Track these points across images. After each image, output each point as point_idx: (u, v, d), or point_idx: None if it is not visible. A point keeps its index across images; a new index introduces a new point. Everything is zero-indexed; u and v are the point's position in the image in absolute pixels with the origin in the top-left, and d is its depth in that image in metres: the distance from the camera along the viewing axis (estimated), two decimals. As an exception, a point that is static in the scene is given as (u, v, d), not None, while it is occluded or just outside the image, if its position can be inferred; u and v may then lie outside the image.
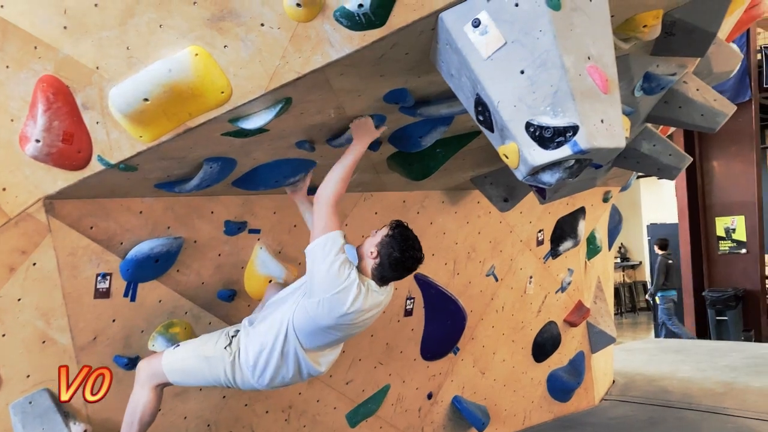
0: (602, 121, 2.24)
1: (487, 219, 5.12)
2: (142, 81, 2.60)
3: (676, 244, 12.25)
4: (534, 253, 5.62)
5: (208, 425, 3.97)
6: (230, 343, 3.19)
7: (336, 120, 3.09)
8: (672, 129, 6.22)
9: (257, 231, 3.87)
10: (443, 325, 5.02)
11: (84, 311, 3.36)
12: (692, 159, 11.85)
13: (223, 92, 2.60)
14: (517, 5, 2.27)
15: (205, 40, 2.55)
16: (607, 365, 7.16)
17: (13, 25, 2.63)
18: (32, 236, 3.11)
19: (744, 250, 11.66)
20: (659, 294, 11.47)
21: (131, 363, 3.49)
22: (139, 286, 3.51)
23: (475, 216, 5.05)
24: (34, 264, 3.16)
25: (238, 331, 3.26)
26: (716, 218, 11.92)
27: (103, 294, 3.41)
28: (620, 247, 17.25)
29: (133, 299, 3.51)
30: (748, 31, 10.89)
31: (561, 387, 6.14)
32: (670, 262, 11.61)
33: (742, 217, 11.65)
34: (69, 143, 2.83)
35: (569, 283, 6.03)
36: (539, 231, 5.59)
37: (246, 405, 4.10)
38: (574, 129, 2.17)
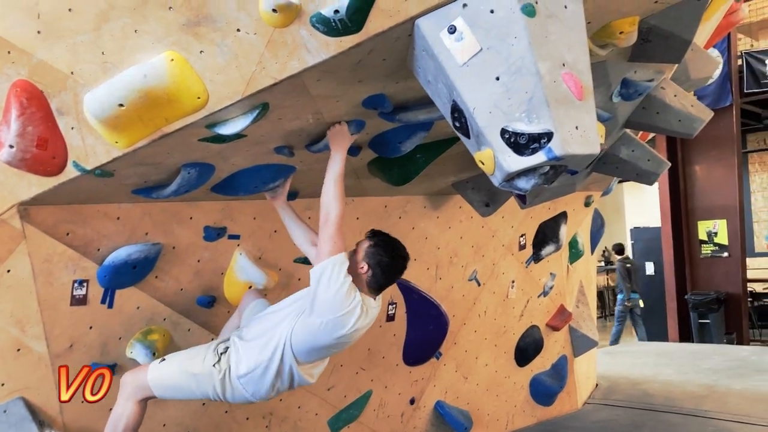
0: (577, 127, 2.25)
1: (469, 224, 5.12)
2: (117, 86, 2.57)
3: (659, 247, 12.34)
4: (516, 257, 5.64)
5: (188, 432, 3.94)
6: (219, 360, 3.14)
7: (315, 125, 3.08)
8: (652, 134, 6.28)
9: (237, 237, 3.85)
10: (425, 330, 5.02)
11: (60, 318, 3.32)
12: (671, 164, 11.97)
13: (199, 98, 2.59)
14: (492, 12, 2.28)
15: (181, 45, 2.53)
16: (590, 369, 7.20)
17: (-14, 30, 2.60)
18: (6, 243, 3.07)
19: (726, 254, 11.75)
20: (620, 296, 11.71)
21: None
22: (116, 292, 3.48)
23: (457, 221, 5.05)
24: (9, 271, 3.12)
25: (227, 348, 3.19)
26: (698, 222, 12.01)
27: (80, 301, 3.37)
28: (604, 251, 17.35)
29: (110, 306, 3.47)
30: (729, 36, 11.01)
31: (544, 391, 6.16)
32: (629, 266, 11.87)
33: (724, 221, 11.75)
34: (43, 149, 2.80)
35: (551, 288, 6.05)
36: (521, 235, 5.61)
37: (226, 412, 4.07)
38: (549, 135, 2.18)
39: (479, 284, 5.37)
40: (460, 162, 4.13)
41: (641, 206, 16.46)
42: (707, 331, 11.41)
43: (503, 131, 2.24)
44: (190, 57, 2.54)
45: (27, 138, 2.75)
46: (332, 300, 2.92)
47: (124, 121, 2.65)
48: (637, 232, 13.85)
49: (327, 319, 2.94)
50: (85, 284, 3.36)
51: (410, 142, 3.44)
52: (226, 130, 2.75)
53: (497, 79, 2.25)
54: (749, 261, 12.86)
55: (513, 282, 5.67)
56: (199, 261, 3.74)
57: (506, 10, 2.26)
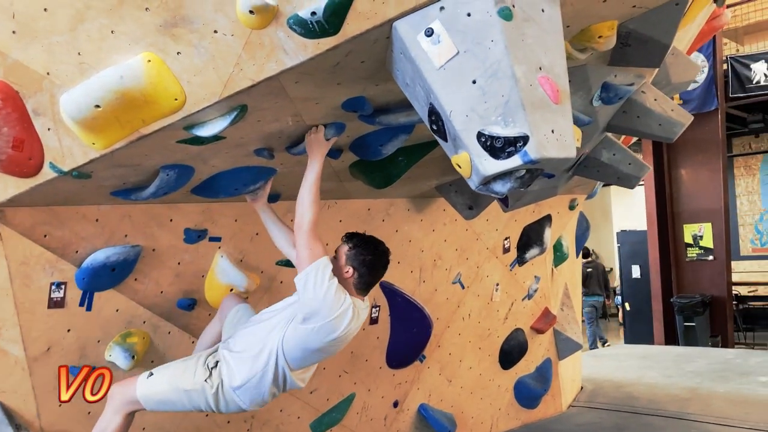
0: (553, 131, 2.25)
1: (453, 227, 5.13)
2: (93, 87, 2.55)
3: (646, 250, 12.40)
4: (500, 260, 5.65)
5: (168, 436, 3.91)
6: (210, 375, 3.11)
7: (294, 128, 3.07)
8: (635, 138, 6.31)
9: (218, 239, 3.83)
10: (409, 333, 5.01)
11: (37, 321, 3.29)
12: (657, 168, 11.86)
13: (176, 99, 2.57)
14: (469, 15, 2.27)
15: (157, 46, 2.52)
16: (575, 372, 7.21)
17: (-40, 30, 2.57)
18: (-18, 245, 3.05)
19: (711, 257, 11.82)
20: (584, 299, 11.98)
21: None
22: (95, 295, 3.45)
23: (441, 224, 5.05)
24: (-16, 273, 3.09)
25: (217, 361, 3.15)
26: (684, 225, 12.07)
27: (58, 303, 3.34)
28: (591, 254, 17.44)
29: (89, 309, 3.45)
30: (714, 41, 11.08)
31: (528, 394, 6.17)
32: (589, 270, 12.23)
33: (709, 225, 11.82)
34: (19, 150, 2.77)
35: (536, 291, 6.06)
36: (505, 238, 5.62)
37: (207, 415, 4.04)
38: (525, 139, 2.18)
39: (463, 287, 5.37)
40: (443, 165, 4.13)
41: (628, 209, 16.55)
42: (692, 334, 11.46)
43: (479, 135, 2.24)
44: (167, 58, 2.52)
45: (2, 139, 2.72)
46: (321, 304, 2.91)
47: (100, 123, 2.63)
48: (623, 235, 13.92)
49: (319, 324, 2.94)
50: (62, 287, 3.34)
51: (391, 144, 3.44)
52: (204, 131, 2.73)
53: (474, 82, 2.25)
54: (734, 264, 12.96)
55: (497, 285, 5.68)
56: (179, 263, 3.71)
57: (483, 14, 2.25)
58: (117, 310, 3.54)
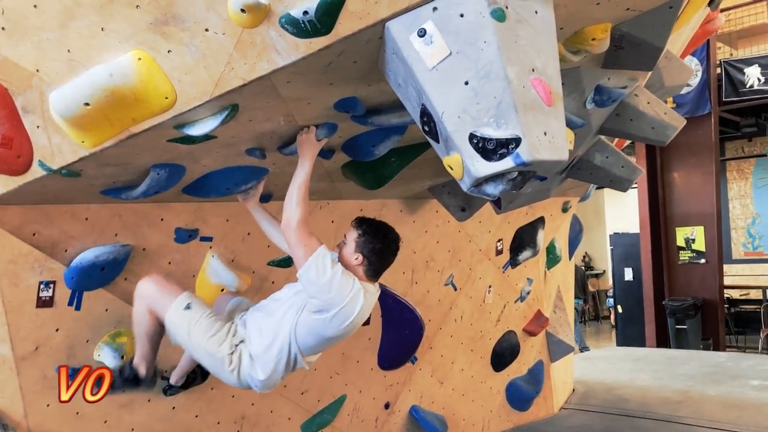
0: (545, 133, 2.24)
1: (446, 228, 5.12)
2: (82, 85, 2.53)
3: (638, 253, 12.43)
4: (493, 262, 5.64)
5: (157, 437, 3.88)
6: (232, 353, 3.05)
7: (286, 128, 3.05)
8: (628, 141, 6.32)
9: (209, 239, 3.81)
10: (401, 335, 5.00)
11: (25, 320, 3.26)
12: (650, 171, 11.88)
13: (167, 98, 2.55)
14: (462, 16, 2.26)
15: (148, 44, 2.50)
16: (567, 374, 7.22)
17: (-51, 26, 2.54)
18: (-30, 243, 3.02)
19: (703, 260, 11.84)
20: None
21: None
22: (84, 294, 3.43)
23: (434, 225, 5.05)
24: (-28, 272, 3.06)
25: (242, 341, 3.07)
26: (677, 228, 12.09)
27: (46, 303, 3.32)
28: (584, 256, 17.47)
29: (77, 308, 3.42)
30: (708, 45, 11.12)
31: (520, 396, 6.17)
32: None
33: (702, 228, 11.84)
34: (8, 147, 2.75)
35: (528, 293, 6.06)
36: (498, 240, 5.61)
37: (197, 416, 4.02)
38: (517, 141, 2.17)
39: (455, 289, 5.37)
40: (436, 166, 4.10)
41: (621, 212, 16.57)
42: (684, 336, 11.49)
43: (471, 136, 2.22)
44: (157, 56, 2.50)
45: (-9, 136, 2.70)
46: (330, 292, 2.88)
47: (90, 121, 2.61)
48: (616, 237, 13.93)
49: (332, 313, 2.91)
50: (51, 286, 3.31)
51: (384, 145, 3.42)
52: (195, 131, 2.71)
53: (466, 83, 2.24)
54: (726, 268, 12.98)
55: (490, 287, 5.67)
56: (170, 263, 3.69)
57: (476, 15, 2.24)
58: (106, 310, 3.52)
